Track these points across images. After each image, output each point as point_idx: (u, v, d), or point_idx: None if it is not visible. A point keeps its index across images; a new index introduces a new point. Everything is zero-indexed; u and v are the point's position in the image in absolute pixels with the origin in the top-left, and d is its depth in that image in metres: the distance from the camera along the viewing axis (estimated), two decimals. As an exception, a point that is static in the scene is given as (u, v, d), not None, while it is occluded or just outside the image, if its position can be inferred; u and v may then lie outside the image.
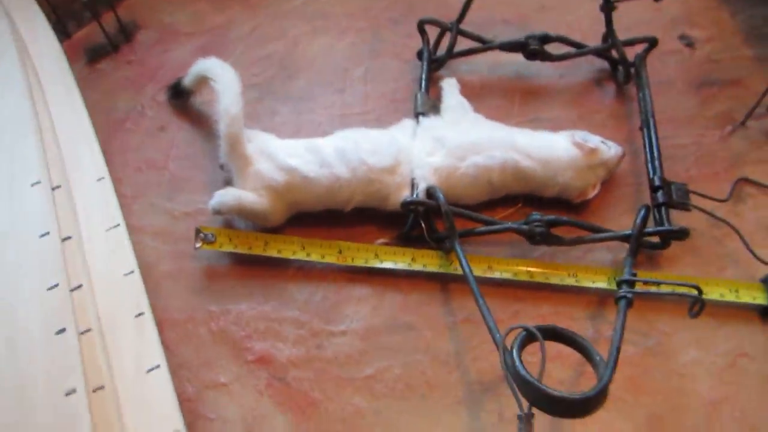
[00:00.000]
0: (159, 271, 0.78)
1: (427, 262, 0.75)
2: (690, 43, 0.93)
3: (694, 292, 0.63)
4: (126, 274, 0.69)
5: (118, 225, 0.72)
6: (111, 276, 0.68)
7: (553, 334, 0.60)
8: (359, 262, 0.76)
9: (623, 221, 0.79)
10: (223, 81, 0.77)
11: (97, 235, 0.71)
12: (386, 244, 0.77)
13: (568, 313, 0.73)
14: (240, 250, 0.76)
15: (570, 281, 0.74)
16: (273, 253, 0.76)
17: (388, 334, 0.73)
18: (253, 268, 0.78)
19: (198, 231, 0.77)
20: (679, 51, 0.92)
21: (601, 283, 0.73)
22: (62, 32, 0.99)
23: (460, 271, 0.71)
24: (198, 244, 0.76)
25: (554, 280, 0.74)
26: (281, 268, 0.78)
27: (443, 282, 0.76)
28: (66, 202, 0.72)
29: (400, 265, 0.75)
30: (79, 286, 0.66)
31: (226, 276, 0.78)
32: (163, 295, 0.76)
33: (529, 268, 0.75)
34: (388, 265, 0.75)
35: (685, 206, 0.74)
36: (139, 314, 0.66)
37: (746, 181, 0.79)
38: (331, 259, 0.76)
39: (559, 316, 0.73)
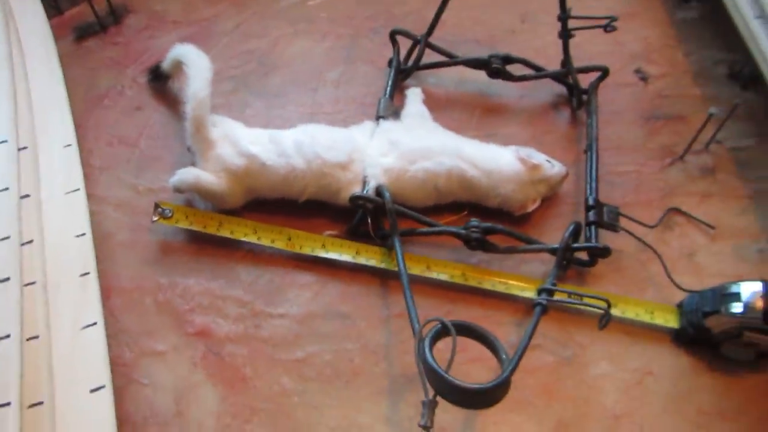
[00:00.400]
0: (116, 240, 0.79)
1: (370, 256, 0.76)
2: (644, 78, 0.94)
3: (604, 305, 0.64)
4: (78, 236, 0.70)
5: (78, 189, 0.73)
6: (63, 236, 0.69)
7: (466, 329, 0.60)
8: (306, 251, 0.77)
9: (558, 237, 0.79)
10: (195, 66, 0.78)
11: (56, 196, 0.72)
12: (334, 236, 0.79)
13: (496, 318, 0.74)
14: (195, 228, 0.77)
15: (500, 287, 0.75)
16: (226, 233, 0.77)
17: (324, 321, 0.74)
18: (206, 246, 0.79)
19: (156, 206, 0.78)
20: (634, 84, 0.94)
21: (530, 293, 0.74)
22: (55, 8, 1.00)
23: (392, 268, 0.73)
24: (155, 218, 0.77)
25: (486, 285, 0.75)
26: (233, 249, 0.78)
27: (384, 277, 0.77)
28: (30, 163, 0.73)
29: (345, 257, 0.76)
30: (30, 241, 0.67)
31: (179, 251, 0.79)
32: (116, 263, 0.77)
33: (465, 272, 0.76)
34: (333, 255, 0.76)
35: (613, 227, 0.76)
36: (84, 273, 0.67)
37: (676, 211, 0.81)
38: (280, 244, 0.77)
39: (487, 320, 0.74)
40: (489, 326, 0.71)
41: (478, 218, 0.77)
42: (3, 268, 0.63)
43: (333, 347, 0.72)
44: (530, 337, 0.63)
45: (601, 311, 0.64)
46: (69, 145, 0.76)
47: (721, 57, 0.94)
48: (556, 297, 0.70)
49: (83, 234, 0.69)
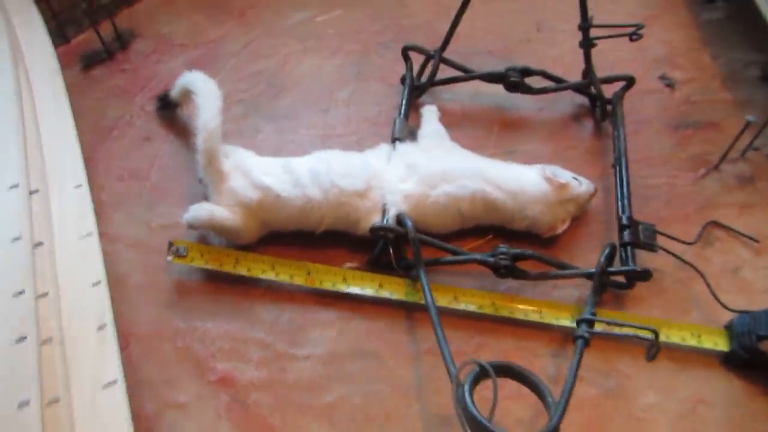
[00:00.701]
0: (130, 282, 0.74)
1: (394, 289, 0.71)
2: (670, 84, 0.88)
3: (651, 335, 0.59)
4: (93, 284, 0.64)
5: (91, 234, 0.68)
6: (78, 285, 0.64)
7: (507, 371, 0.55)
8: (327, 285, 0.71)
9: (591, 258, 0.73)
10: (204, 95, 0.73)
11: (69, 242, 0.67)
12: (355, 268, 0.73)
13: (531, 349, 0.69)
14: (211, 266, 0.72)
15: (534, 317, 0.69)
16: (243, 271, 0.72)
17: (351, 361, 0.69)
18: (224, 285, 0.73)
19: (171, 244, 0.73)
20: (659, 91, 0.88)
21: (565, 321, 0.68)
22: (61, 37, 0.95)
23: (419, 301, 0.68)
24: (170, 258, 0.72)
25: (518, 315, 0.69)
26: (250, 286, 0.73)
27: (409, 310, 0.71)
28: (42, 207, 0.67)
29: (367, 291, 0.71)
30: (45, 294, 0.62)
31: (196, 292, 0.73)
32: (131, 307, 0.72)
33: (495, 301, 0.70)
34: (354, 290, 0.71)
35: (651, 247, 0.70)
36: (102, 326, 0.62)
37: (716, 224, 0.75)
38: (299, 280, 0.72)
39: (521, 352, 0.68)
40: (524, 358, 0.68)
41: (505, 242, 0.71)
42: (20, 326, 0.58)
43: (362, 389, 0.67)
44: (575, 376, 0.57)
45: (648, 341, 0.59)
46: (80, 185, 0.71)
47: (752, 59, 0.88)
48: (597, 327, 0.64)
49: (98, 282, 0.64)
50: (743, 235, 0.73)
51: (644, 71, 0.89)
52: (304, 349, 0.70)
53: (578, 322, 0.64)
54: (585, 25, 0.78)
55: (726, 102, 0.85)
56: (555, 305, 0.70)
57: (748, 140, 0.76)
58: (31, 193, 0.68)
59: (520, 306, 0.70)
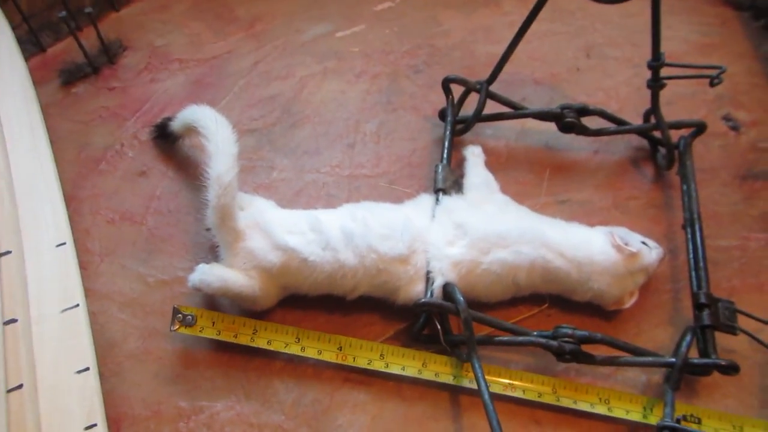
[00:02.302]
0: (124, 350, 0.64)
1: (439, 369, 0.62)
2: (735, 127, 0.80)
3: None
4: (79, 372, 0.55)
5: (77, 305, 0.58)
6: (60, 373, 0.54)
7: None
8: (361, 363, 0.62)
9: (657, 335, 0.67)
10: (216, 140, 0.62)
11: (50, 317, 0.57)
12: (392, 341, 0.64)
13: (596, 443, 0.61)
14: (223, 338, 0.63)
15: (601, 408, 0.61)
16: (262, 344, 0.63)
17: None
18: (236, 356, 0.64)
19: (176, 311, 0.62)
20: (724, 134, 0.80)
21: (636, 414, 0.61)
22: (34, 45, 0.83)
23: (475, 385, 0.59)
24: (174, 327, 0.62)
25: (583, 406, 0.61)
26: (268, 358, 0.64)
27: (453, 392, 0.63)
28: (15, 273, 0.57)
29: (409, 371, 0.62)
30: (19, 386, 0.52)
31: (203, 364, 0.64)
32: (125, 382, 0.62)
33: (556, 390, 0.62)
34: (394, 370, 0.62)
35: (732, 330, 0.62)
36: (90, 426, 0.52)
37: (798, 299, 0.67)
38: (329, 356, 0.63)
39: (585, 447, 0.61)
40: None
41: (562, 311, 0.64)
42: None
43: (400, 491, 0.58)
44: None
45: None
46: (63, 244, 0.60)
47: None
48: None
49: (87, 369, 0.54)
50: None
51: (706, 110, 0.81)
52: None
53: (660, 429, 0.55)
54: (656, 63, 0.69)
55: (800, 151, 0.77)
56: (624, 396, 0.62)
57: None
58: (1, 254, 0.56)
59: (585, 396, 0.62)
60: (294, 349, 0.62)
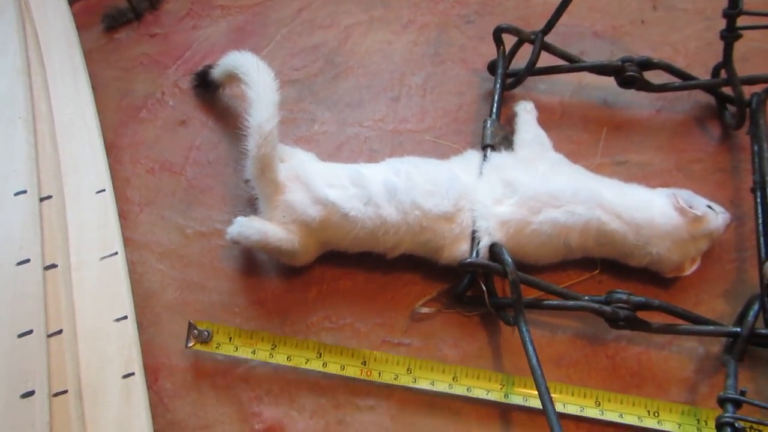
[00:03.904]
0: (162, 301, 0.64)
1: (471, 384, 0.58)
2: (817, 86, 0.74)
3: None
4: (117, 320, 0.54)
5: (116, 253, 0.57)
6: (99, 320, 0.54)
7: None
8: (387, 379, 0.59)
9: (718, 305, 0.63)
10: (257, 87, 0.60)
11: (89, 264, 0.56)
12: (429, 309, 0.62)
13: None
14: (241, 354, 0.60)
15: (650, 422, 0.57)
16: (281, 360, 0.60)
17: (425, 417, 0.59)
18: (273, 313, 0.63)
19: (191, 326, 0.60)
20: (802, 94, 0.73)
21: (689, 429, 0.56)
22: (78, -9, 0.82)
23: (512, 400, 0.58)
24: (191, 343, 0.60)
25: (629, 420, 0.57)
26: (304, 313, 0.63)
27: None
28: (55, 218, 0.57)
29: (438, 386, 0.58)
30: (59, 332, 0.51)
31: (240, 318, 0.63)
32: (163, 332, 0.62)
33: (601, 403, 0.58)
34: (423, 385, 0.58)
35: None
36: (128, 375, 0.52)
37: None
38: (352, 372, 0.59)
39: None
40: None
41: (613, 278, 0.61)
42: (26, 376, 0.47)
43: (440, 450, 0.57)
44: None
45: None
46: (103, 190, 0.60)
47: None
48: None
49: (125, 317, 0.54)
50: None
51: (784, 67, 0.74)
52: (369, 399, 0.60)
53: (722, 401, 0.52)
54: (732, 11, 0.63)
55: None
56: (675, 408, 0.57)
57: None
58: (41, 200, 0.56)
59: (631, 409, 0.57)
60: (315, 365, 0.59)
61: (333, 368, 0.59)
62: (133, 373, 0.52)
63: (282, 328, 0.62)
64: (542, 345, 0.60)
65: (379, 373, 0.59)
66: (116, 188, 0.68)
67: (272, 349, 0.60)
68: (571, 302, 0.58)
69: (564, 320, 0.62)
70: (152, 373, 0.60)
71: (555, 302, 0.59)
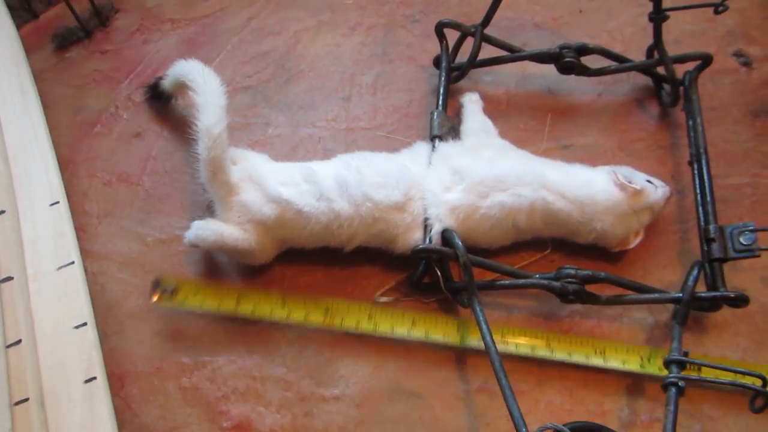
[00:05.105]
0: (124, 309, 0.65)
1: (429, 328, 0.61)
2: (747, 62, 0.77)
3: (759, 384, 0.50)
4: (77, 327, 0.55)
5: (73, 263, 0.58)
6: (58, 328, 0.54)
7: (592, 434, 0.47)
8: (349, 325, 0.62)
9: (665, 275, 0.65)
10: (204, 92, 0.62)
11: (46, 274, 0.57)
12: (388, 298, 0.64)
13: (599, 387, 0.60)
14: (207, 308, 0.62)
15: (596, 360, 0.60)
16: (246, 311, 0.62)
17: (389, 402, 0.60)
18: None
19: (156, 282, 0.62)
20: (734, 70, 0.77)
21: (632, 365, 0.59)
22: (27, 11, 0.83)
23: (469, 343, 0.60)
24: (154, 298, 0.62)
25: (578, 359, 0.60)
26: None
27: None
28: (9, 231, 0.57)
29: (398, 332, 0.61)
30: (17, 342, 0.52)
31: (204, 320, 0.64)
32: (126, 340, 0.63)
33: (551, 344, 0.61)
34: (384, 331, 0.61)
35: (751, 252, 0.59)
36: (90, 379, 0.52)
37: (813, 235, 0.65)
38: (315, 319, 0.62)
39: (588, 391, 0.60)
40: (592, 399, 0.60)
41: (563, 256, 0.64)
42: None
43: (404, 437, 0.58)
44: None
45: (754, 390, 0.50)
46: (57, 203, 0.60)
47: None
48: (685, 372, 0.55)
49: (84, 324, 0.55)
50: None
51: (716, 47, 0.78)
52: (334, 389, 0.61)
53: (667, 363, 0.54)
54: (657, -6, 0.66)
55: (816, 85, 0.74)
56: (620, 347, 0.61)
57: None
58: (-5, 215, 0.57)
59: (580, 347, 0.61)
60: (280, 315, 0.62)
61: (297, 317, 0.61)
62: (95, 378, 0.52)
63: (246, 327, 0.64)
64: (499, 325, 0.62)
65: (342, 320, 0.61)
66: (73, 202, 0.69)
67: (237, 301, 0.62)
68: (522, 281, 0.60)
69: (519, 300, 0.65)
70: (118, 380, 0.60)
71: (507, 282, 0.61)
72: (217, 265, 0.67)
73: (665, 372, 0.55)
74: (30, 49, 0.79)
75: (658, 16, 0.69)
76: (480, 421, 0.59)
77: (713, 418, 0.58)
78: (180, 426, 0.59)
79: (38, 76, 0.77)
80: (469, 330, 0.61)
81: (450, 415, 0.59)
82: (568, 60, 0.72)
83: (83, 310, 0.55)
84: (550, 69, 0.74)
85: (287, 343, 0.63)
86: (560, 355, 0.60)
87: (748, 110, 0.74)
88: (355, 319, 0.61)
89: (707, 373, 0.58)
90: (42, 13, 0.84)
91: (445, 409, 0.60)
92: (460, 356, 0.62)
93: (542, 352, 0.60)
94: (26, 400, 0.49)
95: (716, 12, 0.66)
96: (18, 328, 0.52)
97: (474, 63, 0.73)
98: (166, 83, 0.70)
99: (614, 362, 0.60)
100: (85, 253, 0.66)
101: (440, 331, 0.61)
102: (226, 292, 0.62)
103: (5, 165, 0.60)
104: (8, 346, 0.51)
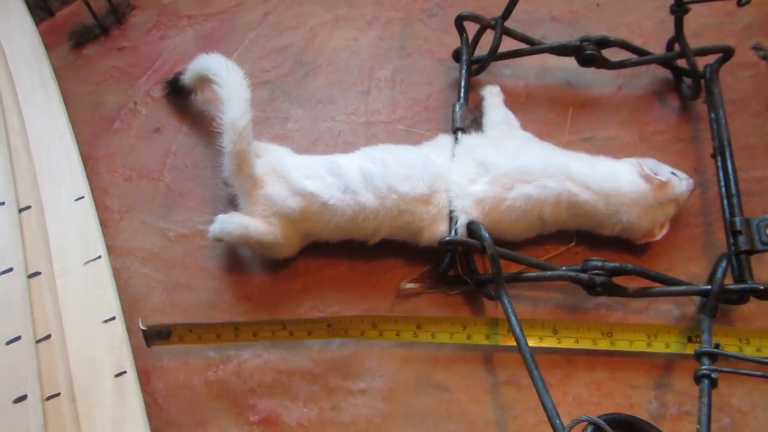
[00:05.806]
0: (149, 304, 0.65)
1: (436, 329, 0.60)
2: (766, 56, 0.77)
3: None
4: (105, 321, 0.55)
5: (99, 257, 0.58)
6: (87, 323, 0.54)
7: (626, 426, 0.47)
8: (354, 335, 0.61)
9: (690, 268, 0.65)
10: (228, 86, 0.61)
11: (73, 269, 0.57)
12: (412, 288, 0.63)
13: (627, 380, 0.60)
14: (205, 343, 0.60)
15: (604, 344, 0.60)
16: (247, 338, 0.60)
17: (416, 395, 0.60)
18: (261, 304, 0.64)
19: (145, 333, 0.58)
20: (754, 64, 0.77)
21: (676, 346, 0.59)
22: (43, 9, 0.82)
23: (485, 342, 0.60)
24: (152, 343, 0.59)
25: (585, 344, 0.60)
26: (292, 302, 0.64)
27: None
28: (35, 227, 0.57)
29: (405, 337, 0.61)
30: (47, 337, 0.52)
31: (228, 313, 0.64)
32: (153, 335, 0.63)
33: (593, 335, 0.60)
34: (389, 338, 0.60)
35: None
36: (120, 373, 0.52)
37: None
38: (319, 335, 0.61)
39: (616, 383, 0.60)
40: (621, 392, 0.59)
41: (588, 248, 0.64)
42: (17, 381, 0.48)
43: (432, 429, 0.58)
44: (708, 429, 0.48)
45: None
46: (82, 197, 0.60)
47: None
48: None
49: (113, 318, 0.54)
50: None
51: (735, 40, 0.78)
52: (361, 382, 0.61)
53: (699, 355, 0.54)
54: (679, -13, 0.66)
55: (837, 77, 0.74)
56: (661, 329, 0.60)
57: None
58: (20, 210, 0.57)
59: (623, 334, 0.60)
60: (282, 336, 0.60)
61: (300, 336, 0.60)
62: (125, 372, 0.52)
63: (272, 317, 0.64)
64: (525, 318, 0.62)
65: (345, 331, 0.60)
66: (95, 198, 0.68)
67: (236, 331, 0.60)
68: (549, 272, 0.60)
69: (545, 293, 0.64)
70: (144, 375, 0.60)
71: (534, 274, 0.61)
72: (240, 260, 0.67)
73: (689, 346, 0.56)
74: (47, 47, 0.79)
75: (679, 9, 0.69)
76: (508, 413, 0.59)
77: (743, 412, 0.58)
78: (207, 420, 0.59)
79: (56, 74, 0.77)
80: (476, 329, 0.61)
81: (477, 408, 0.59)
82: (589, 53, 0.72)
83: (111, 304, 0.55)
84: (569, 62, 0.74)
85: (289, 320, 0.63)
86: (603, 345, 0.60)
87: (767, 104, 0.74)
88: (359, 329, 0.60)
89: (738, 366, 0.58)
90: (58, 11, 0.84)
91: (473, 401, 0.59)
92: (487, 348, 0.62)
93: (586, 344, 0.60)
94: (58, 395, 0.49)
95: (739, 4, 0.65)
96: (47, 323, 0.52)
97: (494, 56, 0.73)
98: (187, 78, 0.70)
99: (621, 344, 0.60)
100: (108, 248, 0.66)
101: (446, 335, 0.60)
102: (221, 325, 0.61)
103: (29, 160, 0.60)
104: (38, 341, 0.51)
